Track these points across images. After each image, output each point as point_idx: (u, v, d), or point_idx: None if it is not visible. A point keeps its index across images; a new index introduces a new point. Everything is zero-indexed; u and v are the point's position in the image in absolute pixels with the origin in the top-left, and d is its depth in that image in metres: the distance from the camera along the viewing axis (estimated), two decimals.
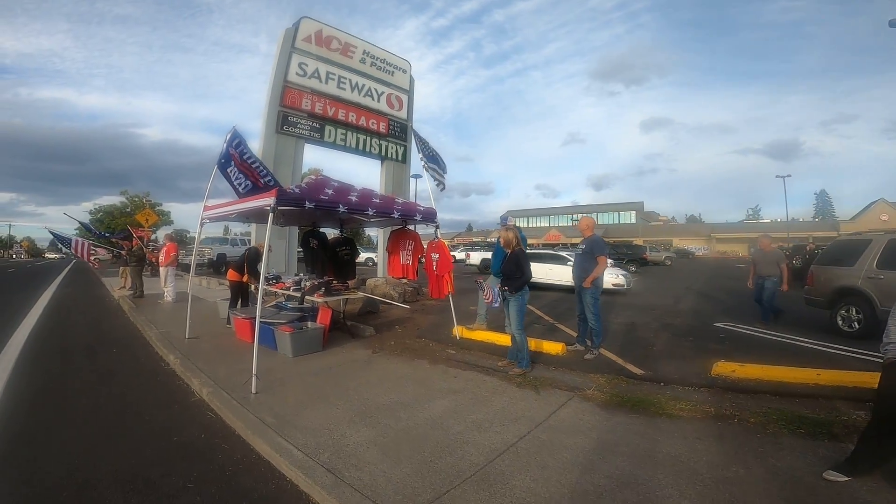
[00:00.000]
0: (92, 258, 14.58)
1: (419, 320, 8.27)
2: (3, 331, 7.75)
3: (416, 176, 18.87)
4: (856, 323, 7.18)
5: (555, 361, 5.66)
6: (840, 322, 7.42)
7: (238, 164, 6.30)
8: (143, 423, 3.85)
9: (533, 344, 5.90)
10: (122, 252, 14.30)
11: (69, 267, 33.76)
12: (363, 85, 12.58)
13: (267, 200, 4.84)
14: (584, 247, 5.98)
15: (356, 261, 9.13)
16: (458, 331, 6.95)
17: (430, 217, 6.94)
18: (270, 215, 4.85)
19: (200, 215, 6.56)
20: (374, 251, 29.99)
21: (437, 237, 7.22)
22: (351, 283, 7.94)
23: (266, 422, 3.66)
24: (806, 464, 3.07)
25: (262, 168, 6.56)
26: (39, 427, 3.74)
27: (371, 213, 5.95)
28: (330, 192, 5.49)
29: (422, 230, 7.92)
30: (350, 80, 12.26)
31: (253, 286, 7.67)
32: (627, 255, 27.27)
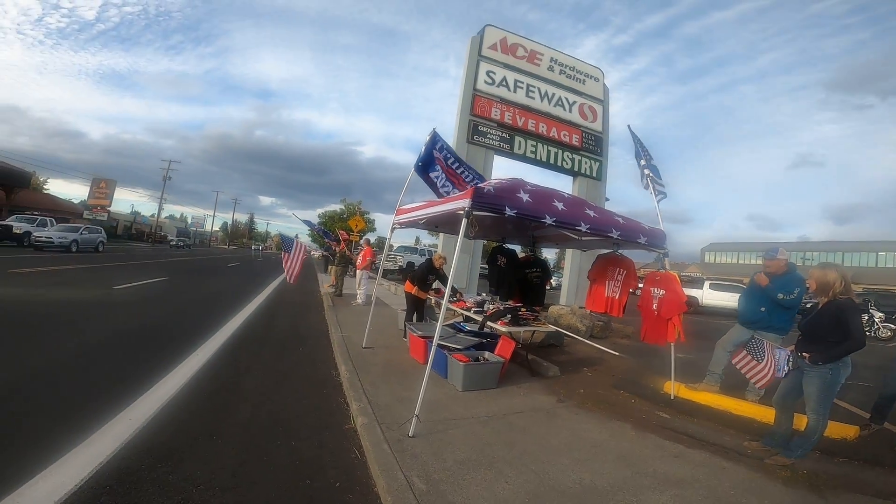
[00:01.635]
0: (296, 263, 15.96)
1: (613, 364, 6.85)
2: (234, 311, 9.02)
3: (607, 199, 17.13)
4: None
5: (840, 450, 3.87)
6: None
7: (444, 169, 6.00)
8: (287, 450, 3.45)
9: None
10: (329, 253, 16.10)
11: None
12: (553, 94, 11.99)
13: (461, 203, 4.13)
14: None
15: (546, 285, 8.10)
16: (674, 388, 5.38)
17: (657, 242, 5.38)
18: (464, 221, 3.97)
19: (392, 220, 6.47)
20: (556, 274, 28.52)
21: (664, 267, 5.64)
22: (539, 311, 6.97)
23: (414, 487, 2.89)
24: None
25: (466, 172, 6.17)
26: (185, 442, 3.40)
27: (583, 229, 4.63)
28: (528, 198, 4.34)
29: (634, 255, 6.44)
30: (539, 89, 11.83)
31: (432, 300, 7.32)
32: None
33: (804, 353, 3.52)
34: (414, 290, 7.53)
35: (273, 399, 4.51)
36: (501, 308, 6.24)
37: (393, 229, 6.63)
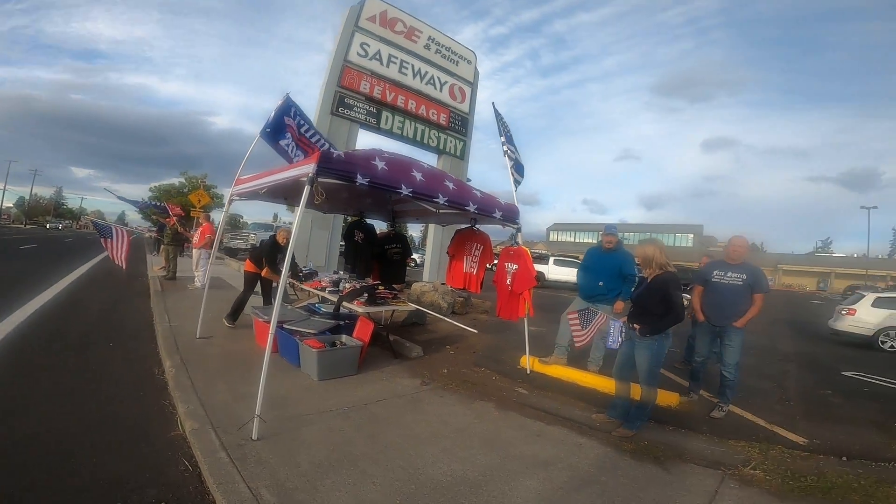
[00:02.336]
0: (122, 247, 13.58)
1: (474, 341, 6.95)
2: (22, 302, 7.02)
3: (469, 180, 17.73)
4: None
5: (668, 418, 4.28)
6: None
7: (296, 138, 5.32)
8: (88, 470, 2.68)
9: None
10: (158, 232, 13.67)
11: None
12: (426, 72, 11.89)
13: (304, 168, 3.58)
14: (743, 276, 4.45)
15: (407, 262, 7.84)
16: (529, 362, 5.60)
17: (511, 217, 5.45)
18: (307, 189, 3.44)
19: (230, 191, 5.56)
20: (417, 251, 28.61)
21: (516, 243, 5.77)
22: (400, 289, 6.69)
23: (261, 500, 2.42)
24: None
25: (323, 141, 5.59)
26: None
27: (441, 202, 4.45)
28: (385, 166, 3.96)
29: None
30: (412, 66, 11.62)
31: (275, 282, 6.52)
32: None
33: (635, 326, 3.78)
34: (263, 272, 6.64)
35: (67, 409, 3.51)
36: (358, 287, 5.83)
37: (231, 201, 5.76)
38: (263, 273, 6.56)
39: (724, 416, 4.35)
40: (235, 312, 6.44)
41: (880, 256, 61.36)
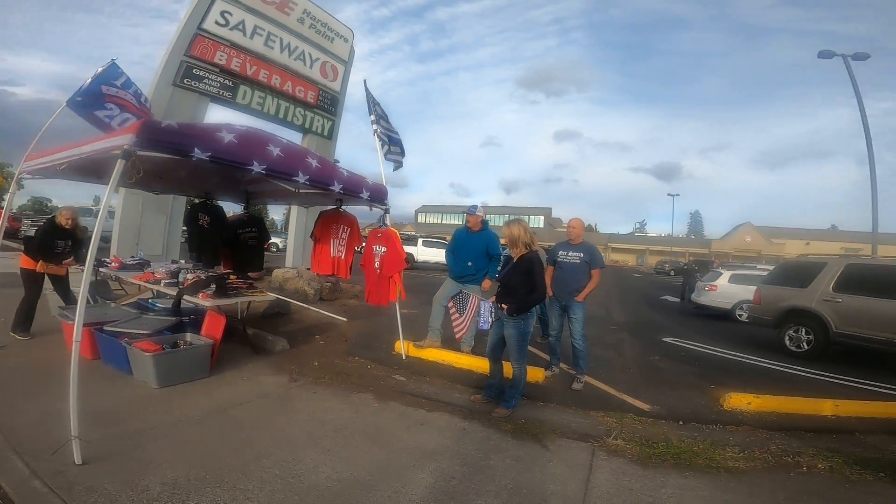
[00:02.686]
0: None
1: (345, 329, 6.56)
2: None
3: (336, 161, 16.91)
4: (805, 344, 7.16)
5: (537, 394, 4.51)
6: (788, 341, 7.36)
7: (136, 110, 4.42)
8: None
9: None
10: None
11: None
12: (296, 47, 10.94)
13: (117, 140, 2.90)
14: (581, 255, 4.86)
15: (265, 247, 7.04)
16: (404, 347, 5.44)
17: (379, 198, 5.23)
18: (119, 164, 2.76)
19: (19, 168, 4.38)
20: (281, 235, 26.62)
21: (384, 224, 5.53)
22: (257, 277, 5.96)
23: None
24: None
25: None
26: None
27: (302, 181, 4.03)
28: (233, 139, 3.43)
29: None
30: (281, 40, 10.56)
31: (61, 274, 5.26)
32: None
33: (503, 305, 3.85)
34: (37, 266, 5.07)
35: None
36: (203, 277, 5.03)
37: (20, 180, 4.55)
38: (38, 267, 5.07)
39: (583, 387, 4.74)
40: (25, 321, 4.96)
41: (681, 236, 74.89)
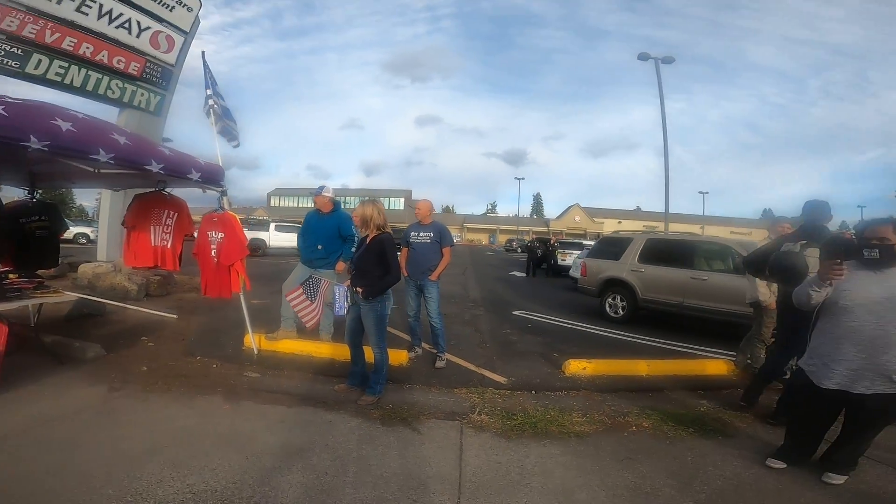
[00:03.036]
0: None
1: (181, 326, 5.77)
2: None
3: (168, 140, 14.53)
4: (620, 309, 8.33)
5: (402, 376, 4.53)
6: (608, 308, 8.50)
7: None
8: None
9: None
10: None
11: None
12: (120, 14, 8.98)
13: None
14: (431, 234, 4.96)
15: (60, 238, 5.70)
16: (255, 341, 4.95)
17: (213, 178, 4.59)
18: None
19: None
20: (91, 224, 22.40)
21: (221, 208, 4.88)
22: (51, 274, 4.79)
23: None
24: (736, 461, 3.06)
25: None
26: None
27: (104, 159, 3.34)
28: (2, 111, 2.76)
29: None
30: (101, 6, 8.59)
31: None
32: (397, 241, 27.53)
33: (358, 289, 3.76)
34: None
35: None
36: None
37: None
38: None
39: (445, 365, 4.90)
40: None
41: (525, 216, 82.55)
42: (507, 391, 4.27)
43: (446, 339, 5.11)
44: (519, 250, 40.76)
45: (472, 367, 4.96)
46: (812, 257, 3.36)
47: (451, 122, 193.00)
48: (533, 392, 4.30)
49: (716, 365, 5.18)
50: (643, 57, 16.70)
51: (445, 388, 4.28)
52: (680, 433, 3.46)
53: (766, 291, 4.67)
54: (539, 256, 18.83)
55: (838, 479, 2.70)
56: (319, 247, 5.12)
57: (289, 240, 19.74)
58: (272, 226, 21.09)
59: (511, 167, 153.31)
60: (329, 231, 5.15)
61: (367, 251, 3.77)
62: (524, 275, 17.99)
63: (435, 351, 5.06)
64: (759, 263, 3.92)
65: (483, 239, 68.54)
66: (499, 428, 3.41)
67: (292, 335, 5.25)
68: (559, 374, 4.85)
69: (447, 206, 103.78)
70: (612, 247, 9.08)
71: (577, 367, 4.86)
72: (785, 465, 2.90)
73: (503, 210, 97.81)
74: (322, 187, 5.25)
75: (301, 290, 4.37)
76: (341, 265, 5.13)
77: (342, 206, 5.41)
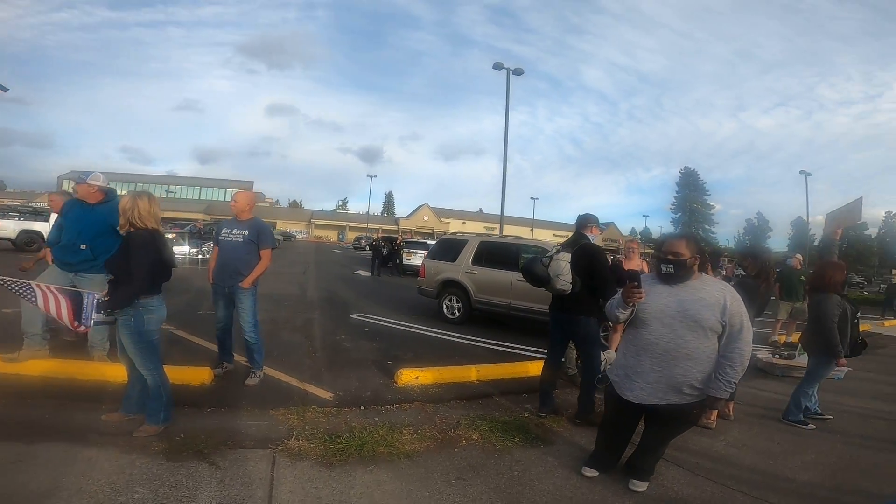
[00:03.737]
0: None
1: None
2: None
3: None
4: (456, 311, 8.51)
5: (203, 398, 3.84)
6: (445, 310, 8.64)
7: None
8: None
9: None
10: None
11: None
12: None
13: None
14: (245, 233, 4.24)
15: None
16: None
17: None
18: None
19: None
20: None
21: None
22: None
23: None
24: (557, 471, 3.11)
25: None
26: None
27: None
28: None
29: None
30: None
31: None
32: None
33: (107, 297, 3.03)
34: None
35: None
36: None
37: None
38: None
39: (260, 382, 4.31)
40: None
41: (377, 214, 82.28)
42: (332, 408, 3.88)
43: (265, 351, 4.51)
44: (367, 248, 40.40)
45: (294, 381, 4.46)
46: (564, 260, 3.84)
47: (308, 114, 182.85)
48: (362, 408, 3.99)
49: (537, 366, 5.48)
50: (497, 66, 17.77)
51: (258, 409, 3.72)
52: (507, 444, 3.45)
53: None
54: (385, 255, 18.73)
55: (641, 487, 2.86)
56: (83, 246, 4.02)
57: None
58: (53, 216, 16.98)
59: (366, 164, 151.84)
60: (97, 227, 4.04)
61: (117, 252, 3.09)
62: (369, 274, 17.68)
63: (250, 366, 4.42)
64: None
65: (332, 236, 66.56)
66: (320, 454, 3.01)
67: (42, 354, 4.10)
68: (392, 385, 4.62)
69: (294, 201, 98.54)
70: (449, 248, 9.19)
71: (410, 376, 4.70)
72: (597, 473, 2.99)
73: (355, 207, 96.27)
74: (88, 174, 4.13)
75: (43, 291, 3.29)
76: None
77: (116, 195, 4.25)
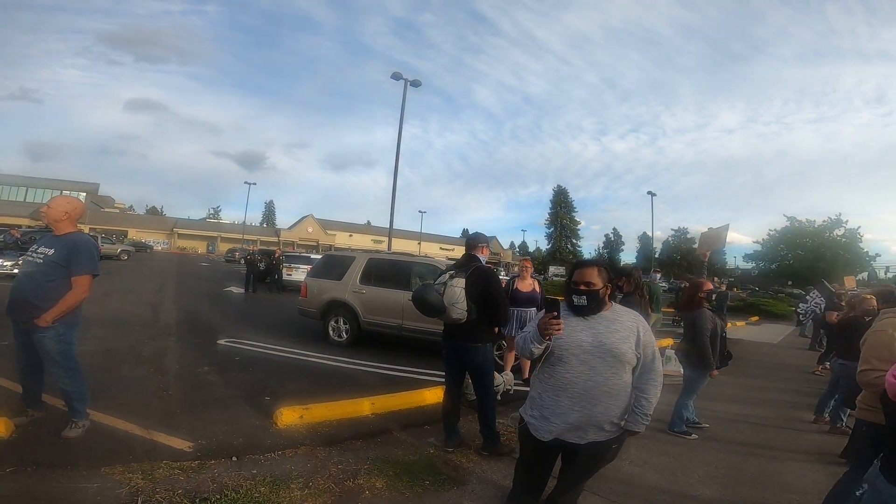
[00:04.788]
0: None
1: None
2: None
3: None
4: (344, 333, 7.83)
5: (6, 452, 2.88)
6: (331, 332, 7.91)
7: None
8: None
9: None
10: None
11: None
12: None
13: None
14: (52, 252, 3.23)
15: None
16: None
17: None
18: None
19: None
20: None
21: None
22: None
23: None
24: None
25: None
26: None
27: None
28: None
29: None
30: None
31: None
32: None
33: None
34: None
35: None
36: None
37: None
38: None
39: (83, 432, 3.33)
40: None
41: (255, 225, 76.15)
42: (194, 462, 3.10)
43: (92, 393, 3.49)
44: (241, 262, 37.04)
45: (136, 429, 3.54)
46: (458, 287, 3.56)
47: (179, 113, 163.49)
48: (234, 458, 3.24)
49: (435, 393, 5.09)
50: (396, 76, 17.58)
51: (85, 467, 2.83)
52: (417, 490, 3.02)
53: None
54: (261, 270, 17.10)
55: None
56: None
57: None
58: None
59: (246, 171, 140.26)
60: None
61: None
62: (243, 290, 15.92)
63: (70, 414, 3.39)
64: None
65: (200, 247, 59.70)
66: None
67: None
68: (271, 427, 3.88)
69: (154, 207, 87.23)
70: (334, 265, 8.51)
71: (292, 415, 3.99)
72: None
73: (229, 216, 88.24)
74: None
75: None
76: None
77: None
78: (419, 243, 53.37)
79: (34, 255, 3.21)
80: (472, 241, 3.95)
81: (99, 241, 23.72)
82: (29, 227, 23.01)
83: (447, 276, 3.70)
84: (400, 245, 17.98)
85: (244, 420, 3.99)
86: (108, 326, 7.40)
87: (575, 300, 2.40)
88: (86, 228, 40.74)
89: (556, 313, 2.23)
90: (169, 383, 4.81)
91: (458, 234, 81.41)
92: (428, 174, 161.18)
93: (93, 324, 7.55)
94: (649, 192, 39.16)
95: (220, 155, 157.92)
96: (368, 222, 79.39)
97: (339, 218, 75.16)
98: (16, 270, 13.61)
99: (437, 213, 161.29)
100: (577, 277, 2.42)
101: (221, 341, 7.21)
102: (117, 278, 16.47)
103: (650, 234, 63.26)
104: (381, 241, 42.58)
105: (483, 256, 3.89)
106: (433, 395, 5.05)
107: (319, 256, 13.53)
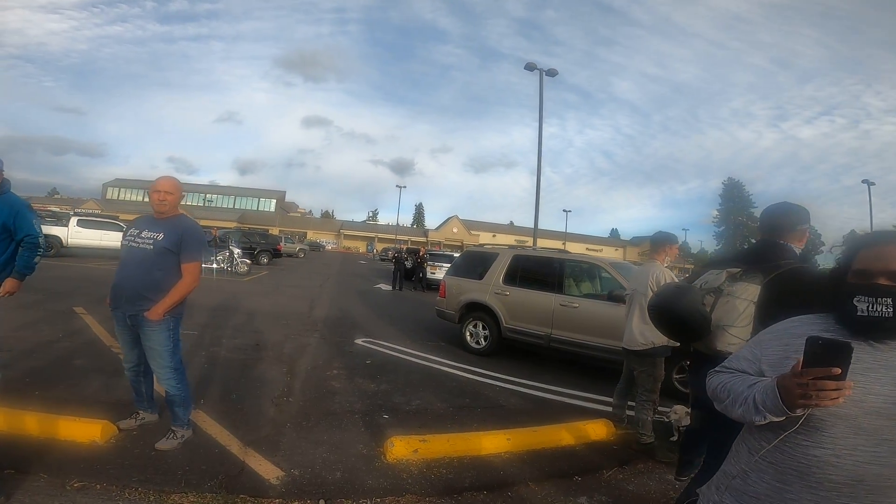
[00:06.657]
0: None
1: None
2: None
3: None
4: (482, 340, 6.94)
5: (82, 464, 2.58)
6: (468, 338, 7.08)
7: None
8: None
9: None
10: None
11: None
12: None
13: None
14: (160, 236, 2.90)
15: None
16: None
17: None
18: None
19: None
20: None
21: None
22: None
23: None
24: None
25: None
26: None
27: None
28: None
29: None
30: None
31: None
32: (260, 245, 24.09)
33: None
34: None
35: None
36: None
37: None
38: None
39: (180, 444, 2.97)
40: None
41: (406, 226, 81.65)
42: (273, 500, 2.51)
43: (191, 399, 3.17)
44: (392, 260, 39.61)
45: (235, 445, 3.11)
46: (744, 298, 2.14)
47: (341, 126, 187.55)
48: (320, 499, 2.59)
49: (596, 427, 3.94)
50: (529, 67, 16.55)
51: (157, 491, 2.41)
52: None
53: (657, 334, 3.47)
54: (408, 268, 17.46)
55: None
56: None
57: (97, 238, 16.50)
58: (74, 220, 16.70)
59: (397, 176, 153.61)
60: None
61: None
62: (390, 288, 16.41)
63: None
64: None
65: (361, 247, 66.33)
66: None
67: None
68: (377, 460, 3.17)
69: (326, 211, 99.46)
70: (475, 264, 7.60)
71: (405, 448, 3.23)
72: None
73: (385, 219, 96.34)
74: None
75: None
76: (13, 284, 3.07)
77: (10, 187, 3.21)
78: (563, 243, 50.70)
79: (139, 240, 2.92)
80: (778, 221, 2.26)
81: (283, 241, 27.13)
82: (222, 228, 27.03)
83: (723, 275, 2.30)
84: (544, 245, 16.77)
85: (351, 445, 3.35)
86: (268, 320, 7.78)
87: (865, 309, 1.12)
88: (276, 230, 48.85)
89: (840, 369, 1.00)
90: (293, 388, 4.47)
91: (605, 234, 75.91)
92: (570, 173, 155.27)
93: (257, 316, 8.06)
94: (865, 181, 30.73)
95: (377, 163, 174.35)
96: (511, 222, 78.91)
97: (483, 218, 76.42)
98: (214, 265, 16.09)
99: (582, 212, 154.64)
100: (876, 264, 1.14)
101: (358, 341, 6.96)
102: (292, 274, 18.46)
103: (868, 229, 50.11)
104: (525, 241, 41.37)
105: (798, 247, 2.27)
106: (595, 430, 3.88)
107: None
